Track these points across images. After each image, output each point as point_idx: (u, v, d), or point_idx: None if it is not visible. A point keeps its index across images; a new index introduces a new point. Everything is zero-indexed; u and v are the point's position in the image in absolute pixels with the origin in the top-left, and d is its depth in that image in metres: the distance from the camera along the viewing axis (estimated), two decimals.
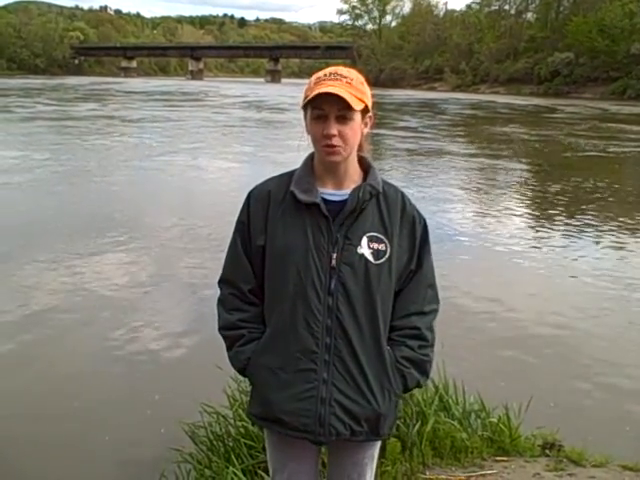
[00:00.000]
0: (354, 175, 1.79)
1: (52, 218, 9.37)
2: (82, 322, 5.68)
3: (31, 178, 12.52)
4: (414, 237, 1.81)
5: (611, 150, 20.12)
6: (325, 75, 1.69)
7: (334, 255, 1.72)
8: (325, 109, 1.66)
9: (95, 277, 6.82)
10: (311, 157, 1.81)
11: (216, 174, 13.95)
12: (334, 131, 1.66)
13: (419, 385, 1.86)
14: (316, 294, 1.72)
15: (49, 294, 6.29)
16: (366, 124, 1.76)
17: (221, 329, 1.87)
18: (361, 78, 1.72)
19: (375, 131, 22.65)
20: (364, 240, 1.73)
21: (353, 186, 1.76)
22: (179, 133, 22.20)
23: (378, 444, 1.94)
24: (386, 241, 1.74)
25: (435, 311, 1.87)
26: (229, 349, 1.87)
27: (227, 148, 18.59)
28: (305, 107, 1.72)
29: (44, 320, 5.65)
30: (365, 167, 1.82)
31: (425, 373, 1.85)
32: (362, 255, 1.72)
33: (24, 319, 5.67)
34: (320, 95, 1.64)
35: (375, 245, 1.73)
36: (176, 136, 21.16)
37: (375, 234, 1.74)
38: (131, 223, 9.20)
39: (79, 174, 13.23)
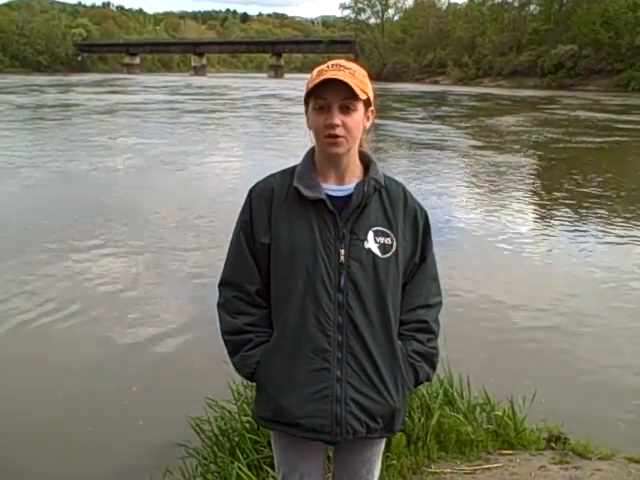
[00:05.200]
0: (355, 170, 1.77)
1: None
2: (84, 317, 5.69)
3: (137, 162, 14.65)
4: (417, 230, 1.80)
5: (595, 141, 20.10)
6: (328, 67, 1.67)
7: (342, 251, 1.69)
8: (328, 98, 1.64)
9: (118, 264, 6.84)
10: (312, 152, 1.79)
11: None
12: (337, 120, 1.64)
13: (429, 378, 1.86)
14: (326, 291, 1.69)
15: (47, 286, 6.31)
16: (368, 118, 1.73)
17: (225, 334, 1.80)
18: (363, 72, 1.71)
19: (379, 122, 22.82)
20: (370, 234, 1.71)
21: (355, 181, 1.74)
22: (239, 123, 24.83)
23: (385, 440, 1.93)
24: (391, 235, 1.73)
25: (439, 303, 1.87)
26: (233, 354, 1.80)
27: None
28: (307, 100, 1.70)
29: (43, 315, 5.64)
30: (365, 162, 1.79)
31: (434, 366, 1.85)
32: (369, 250, 1.71)
33: (20, 311, 5.68)
34: (323, 84, 1.62)
35: (381, 239, 1.72)
36: (237, 126, 23.71)
37: (380, 228, 1.73)
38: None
39: (178, 157, 15.51)
